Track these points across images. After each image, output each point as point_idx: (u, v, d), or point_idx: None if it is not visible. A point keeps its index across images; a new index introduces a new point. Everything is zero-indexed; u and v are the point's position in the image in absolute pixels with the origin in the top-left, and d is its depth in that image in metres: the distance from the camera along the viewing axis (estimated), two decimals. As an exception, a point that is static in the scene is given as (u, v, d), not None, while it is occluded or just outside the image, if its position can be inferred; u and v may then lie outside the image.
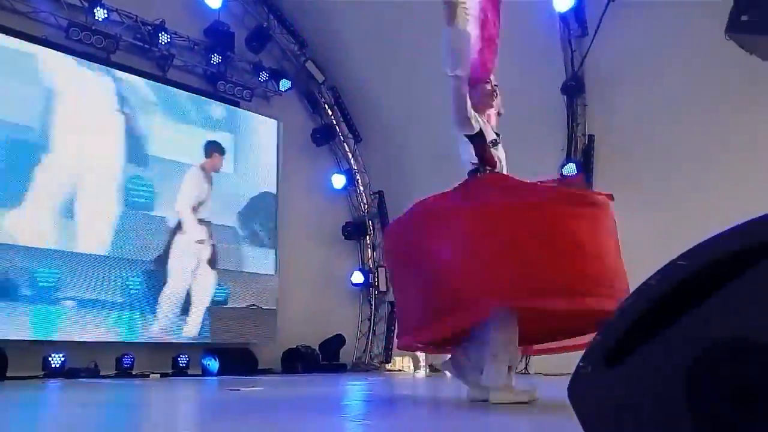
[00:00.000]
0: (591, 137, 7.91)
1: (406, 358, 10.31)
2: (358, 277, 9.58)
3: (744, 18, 5.37)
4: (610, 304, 2.53)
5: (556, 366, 7.27)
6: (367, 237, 9.85)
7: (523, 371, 7.76)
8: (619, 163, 7.66)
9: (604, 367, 1.02)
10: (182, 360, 7.19)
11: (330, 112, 9.63)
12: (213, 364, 7.22)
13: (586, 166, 7.84)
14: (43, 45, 6.69)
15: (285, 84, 8.86)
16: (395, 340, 9.40)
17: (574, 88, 7.80)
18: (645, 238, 7.20)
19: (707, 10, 5.95)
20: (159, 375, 6.88)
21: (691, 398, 0.88)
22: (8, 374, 5.61)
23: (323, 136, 9.50)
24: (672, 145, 7.16)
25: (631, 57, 7.36)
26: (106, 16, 7.03)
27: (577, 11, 7.49)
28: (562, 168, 7.86)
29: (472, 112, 3.12)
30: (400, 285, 3.34)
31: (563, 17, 7.59)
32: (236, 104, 8.44)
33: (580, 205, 3.07)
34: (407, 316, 3.24)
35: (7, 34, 6.44)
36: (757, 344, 0.81)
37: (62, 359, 6.20)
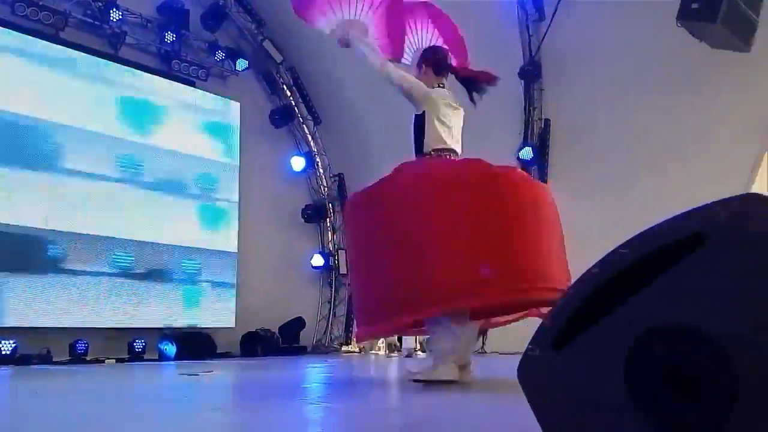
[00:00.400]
0: (547, 121, 8.06)
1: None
2: (318, 260, 9.57)
3: (694, 6, 5.54)
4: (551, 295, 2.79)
5: (512, 344, 7.51)
6: (327, 220, 9.84)
7: (480, 350, 7.95)
8: (574, 146, 7.85)
9: (551, 350, 1.07)
10: (138, 345, 7.08)
11: (289, 94, 9.51)
12: (170, 348, 7.13)
13: (541, 150, 8.00)
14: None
15: (242, 64, 8.69)
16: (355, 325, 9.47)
17: (531, 73, 7.91)
18: (598, 219, 7.42)
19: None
20: (114, 360, 6.77)
21: (630, 381, 0.93)
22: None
23: (282, 117, 9.38)
24: (626, 129, 7.37)
25: (587, 42, 7.50)
26: (54, -10, 6.75)
27: (535, -5, 7.58)
28: (519, 151, 8.01)
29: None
30: (367, 265, 3.16)
31: (521, 2, 7.66)
32: (191, 84, 8.25)
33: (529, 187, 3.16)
34: (378, 300, 3.06)
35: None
36: (689, 329, 0.87)
37: (13, 345, 6.03)
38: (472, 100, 3.37)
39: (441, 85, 3.36)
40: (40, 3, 6.67)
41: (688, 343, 0.87)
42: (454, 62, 3.49)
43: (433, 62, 3.37)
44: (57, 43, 6.88)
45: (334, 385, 3.69)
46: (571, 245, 7.89)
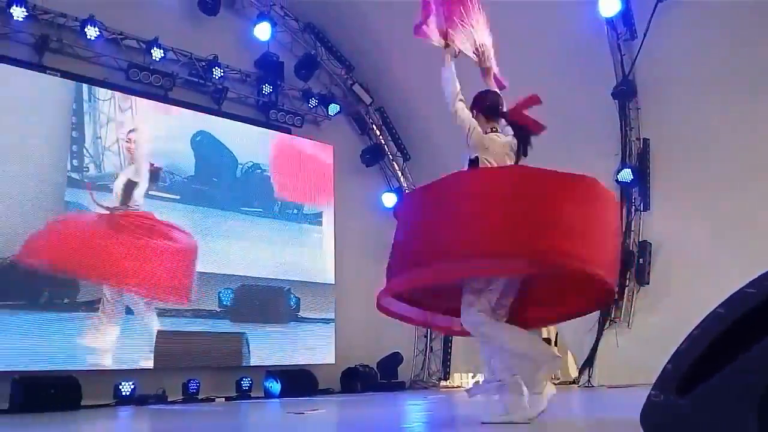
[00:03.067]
0: (646, 141, 7.72)
1: (469, 375, 10.17)
2: (413, 295, 9.56)
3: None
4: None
5: (621, 377, 7.07)
6: (421, 254, 9.84)
7: (587, 384, 7.57)
8: (677, 165, 7.44)
9: (675, 395, 1.01)
10: (245, 383, 7.34)
11: (378, 133, 9.74)
12: (275, 386, 7.34)
13: (642, 171, 7.65)
14: (105, 87, 7.06)
15: (334, 108, 9.04)
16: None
17: (625, 92, 7.64)
18: (708, 241, 6.94)
19: (760, 5, 5.77)
20: (224, 399, 7.04)
21: (765, 427, 0.86)
22: (83, 403, 5.82)
23: (372, 156, 9.61)
24: (732, 144, 6.91)
25: (684, 57, 7.16)
26: (162, 55, 7.36)
27: (625, 14, 7.35)
28: (617, 174, 7.69)
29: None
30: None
31: (610, 21, 7.47)
32: (288, 131, 8.67)
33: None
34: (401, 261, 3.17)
35: (72, 79, 6.83)
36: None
37: (132, 387, 6.42)
38: (525, 153, 3.25)
39: (494, 129, 3.30)
40: (151, 67, 7.30)
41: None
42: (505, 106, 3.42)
43: (482, 109, 3.34)
44: (167, 103, 7.47)
45: (435, 424, 3.64)
46: (679, 271, 7.40)
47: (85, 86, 6.93)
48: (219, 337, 7.45)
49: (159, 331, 6.95)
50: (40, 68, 6.62)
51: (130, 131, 7.16)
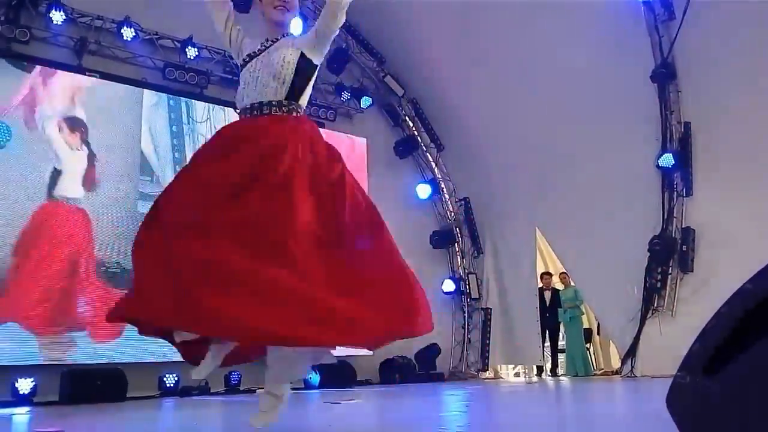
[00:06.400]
0: (687, 125, 7.49)
1: (508, 366, 10.12)
2: (449, 286, 9.53)
3: None
4: None
5: (665, 367, 6.91)
6: (456, 244, 9.80)
7: (630, 375, 7.43)
8: (720, 149, 7.20)
9: (702, 376, 0.98)
10: (285, 375, 7.44)
11: (411, 124, 9.71)
12: (314, 377, 7.42)
13: (683, 155, 7.43)
14: (142, 87, 7.23)
15: (366, 101, 9.05)
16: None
17: (665, 75, 7.42)
18: (753, 226, 6.69)
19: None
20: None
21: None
22: (128, 395, 5.98)
23: (405, 148, 9.59)
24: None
25: (724, 37, 6.90)
26: (197, 53, 7.48)
27: (662, -6, 7.14)
28: (658, 159, 7.49)
29: None
30: None
31: (647, 2, 7.27)
32: (321, 125, 8.71)
33: None
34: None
35: (111, 80, 7.01)
36: None
37: (176, 379, 6.58)
38: None
39: None
40: (186, 66, 7.44)
41: None
42: None
43: None
44: (202, 100, 7.60)
45: (473, 412, 3.62)
46: (723, 257, 7.17)
47: (183, 107, 7.42)
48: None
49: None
50: (80, 70, 6.81)
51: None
